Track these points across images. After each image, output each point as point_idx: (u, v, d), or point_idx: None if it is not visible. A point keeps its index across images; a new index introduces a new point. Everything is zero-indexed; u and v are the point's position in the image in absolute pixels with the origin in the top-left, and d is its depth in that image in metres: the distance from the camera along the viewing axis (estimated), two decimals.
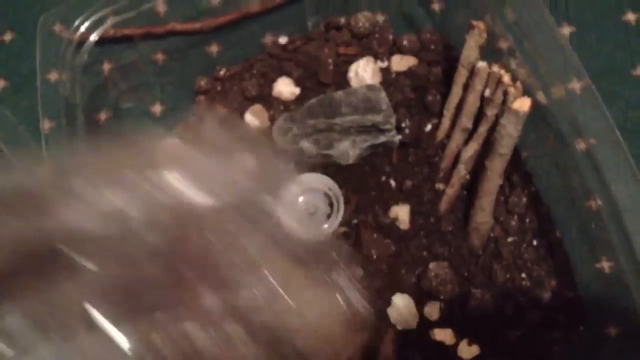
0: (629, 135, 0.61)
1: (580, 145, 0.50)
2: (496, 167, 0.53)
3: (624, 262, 0.49)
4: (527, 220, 0.57)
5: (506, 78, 0.51)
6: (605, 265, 0.52)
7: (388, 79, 0.62)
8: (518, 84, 0.50)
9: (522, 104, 0.49)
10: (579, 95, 0.51)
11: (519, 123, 0.50)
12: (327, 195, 0.59)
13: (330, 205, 0.59)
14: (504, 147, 0.52)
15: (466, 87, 0.56)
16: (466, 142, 0.57)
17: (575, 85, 0.57)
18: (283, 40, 0.66)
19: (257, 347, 0.33)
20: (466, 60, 0.55)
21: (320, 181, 0.59)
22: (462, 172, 0.57)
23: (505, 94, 0.52)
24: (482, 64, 0.53)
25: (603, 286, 0.53)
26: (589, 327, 0.54)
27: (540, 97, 0.53)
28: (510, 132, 0.51)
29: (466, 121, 0.56)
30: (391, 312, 0.55)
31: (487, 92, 0.53)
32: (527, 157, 0.59)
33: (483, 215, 0.55)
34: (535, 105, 0.51)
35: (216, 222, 0.32)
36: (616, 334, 0.52)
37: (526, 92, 0.51)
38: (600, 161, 0.50)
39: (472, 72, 0.54)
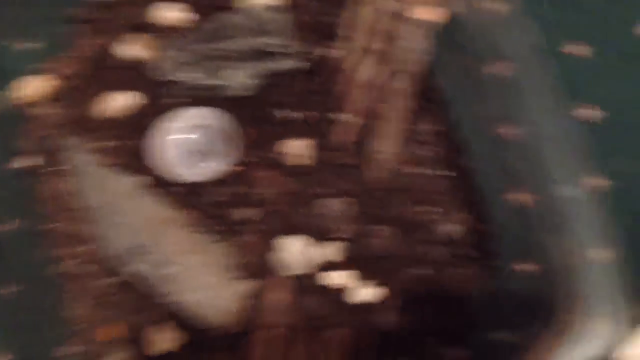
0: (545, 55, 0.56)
1: (499, 69, 0.44)
2: (403, 88, 0.47)
3: (540, 194, 0.43)
4: (437, 149, 0.51)
5: None
6: (520, 196, 0.46)
7: (292, 1, 0.56)
8: None
9: (428, 14, 0.43)
10: (500, 16, 0.45)
11: (426, 35, 0.43)
12: (218, 132, 0.53)
13: (223, 143, 0.52)
14: (411, 63, 0.45)
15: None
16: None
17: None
18: None
19: None
20: None
21: (210, 116, 0.53)
22: (366, 97, 0.50)
23: (411, 5, 0.45)
24: None
25: (516, 219, 0.48)
26: (502, 262, 0.48)
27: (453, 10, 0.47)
28: (417, 46, 0.44)
29: (371, 41, 0.50)
30: (283, 255, 0.48)
31: (393, 6, 0.47)
32: (439, 82, 0.55)
33: (388, 144, 0.49)
34: (448, 22, 0.46)
35: None
36: (530, 269, 0.46)
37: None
38: (518, 87, 0.44)
39: None
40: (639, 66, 0.56)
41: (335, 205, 0.50)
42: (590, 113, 0.55)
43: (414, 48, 0.43)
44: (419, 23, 0.41)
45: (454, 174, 0.51)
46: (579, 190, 0.48)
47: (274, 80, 0.54)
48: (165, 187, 0.51)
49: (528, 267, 0.46)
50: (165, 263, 0.47)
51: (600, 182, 0.53)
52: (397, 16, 0.45)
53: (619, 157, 0.54)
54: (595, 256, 0.40)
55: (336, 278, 0.49)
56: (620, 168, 0.54)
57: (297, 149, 0.52)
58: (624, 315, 0.39)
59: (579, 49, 0.56)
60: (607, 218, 0.51)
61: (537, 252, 0.45)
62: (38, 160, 0.52)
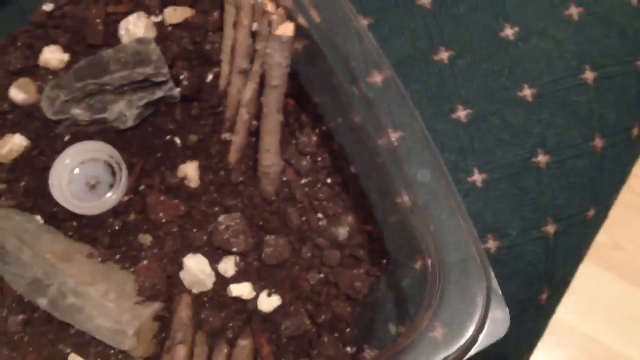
0: (415, 62, 0.60)
1: (375, 79, 0.48)
2: (272, 102, 0.51)
3: (421, 197, 0.47)
4: (320, 159, 0.55)
5: (270, 7, 0.48)
6: (404, 199, 0.50)
7: (164, 32, 0.59)
8: (280, 9, 0.47)
9: (286, 29, 0.47)
10: (364, 32, 0.49)
11: (286, 50, 0.47)
12: (108, 164, 0.55)
13: (114, 174, 0.54)
14: (275, 78, 0.49)
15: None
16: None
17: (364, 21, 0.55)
18: (48, 7, 0.61)
19: None
20: None
21: (98, 149, 0.56)
22: (245, 116, 0.54)
23: (271, 23, 0.49)
24: None
25: (402, 219, 0.52)
26: (391, 261, 0.52)
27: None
28: (278, 61, 0.48)
29: (241, 62, 0.54)
30: (184, 275, 0.51)
31: (255, 26, 0.51)
32: (316, 96, 0.58)
33: (269, 157, 0.52)
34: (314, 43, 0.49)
35: None
36: (419, 266, 0.50)
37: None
38: (390, 101, 0.48)
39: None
40: (503, 66, 0.62)
41: (226, 222, 0.53)
42: (464, 113, 0.61)
43: (281, 64, 0.47)
44: (280, 39, 0.45)
45: (337, 180, 0.55)
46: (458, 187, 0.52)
47: (156, 109, 0.57)
48: (61, 223, 0.53)
49: (414, 263, 0.50)
50: (65, 295, 0.49)
51: (478, 177, 0.58)
52: (263, 36, 0.49)
53: (494, 152, 0.59)
54: (477, 250, 0.44)
55: (236, 291, 0.51)
56: (493, 161, 0.59)
57: (184, 173, 0.55)
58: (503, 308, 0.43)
59: (448, 55, 0.62)
60: (487, 211, 0.56)
61: (422, 249, 0.49)
62: None
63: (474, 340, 0.39)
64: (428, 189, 0.43)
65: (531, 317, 0.60)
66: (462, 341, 0.39)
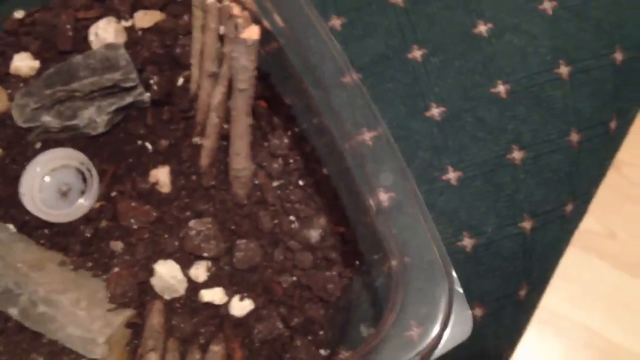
0: (389, 61, 0.60)
1: (339, 83, 0.48)
2: (240, 105, 0.51)
3: (384, 200, 0.47)
4: (291, 161, 0.56)
5: (236, 10, 0.49)
6: (370, 202, 0.50)
7: (134, 37, 0.59)
8: (245, 12, 0.48)
9: (251, 33, 0.47)
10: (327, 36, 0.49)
11: (251, 53, 0.48)
12: (79, 170, 0.55)
13: (85, 180, 0.55)
14: (242, 82, 0.49)
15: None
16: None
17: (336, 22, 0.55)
18: (19, 14, 0.61)
19: None
20: (198, 0, 0.53)
21: (68, 156, 0.56)
22: (215, 120, 0.54)
23: (236, 26, 0.49)
24: (210, 0, 0.50)
25: (369, 222, 0.52)
26: (364, 262, 0.52)
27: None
28: (244, 65, 0.49)
29: (210, 65, 0.54)
30: (155, 281, 0.51)
31: (222, 29, 0.51)
32: (287, 98, 0.59)
33: (240, 161, 0.53)
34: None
35: None
36: (386, 268, 0.50)
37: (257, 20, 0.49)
38: (354, 105, 0.48)
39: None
40: (477, 63, 0.62)
41: (197, 227, 0.53)
42: (437, 111, 0.61)
43: (247, 68, 0.47)
44: (245, 42, 0.45)
45: (310, 182, 0.55)
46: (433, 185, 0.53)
47: (127, 114, 0.57)
48: (33, 231, 0.53)
49: (383, 265, 0.51)
50: (36, 304, 0.49)
51: (453, 174, 0.58)
52: (229, 39, 0.49)
53: (468, 149, 0.59)
54: (439, 252, 0.44)
55: (208, 296, 0.52)
56: (468, 158, 0.59)
57: (155, 178, 0.56)
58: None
59: (421, 53, 0.62)
60: (462, 209, 0.56)
61: (387, 251, 0.49)
62: None
63: (437, 341, 0.39)
64: (391, 192, 0.43)
65: (510, 314, 0.61)
66: (425, 342, 0.39)
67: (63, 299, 0.50)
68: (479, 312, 0.58)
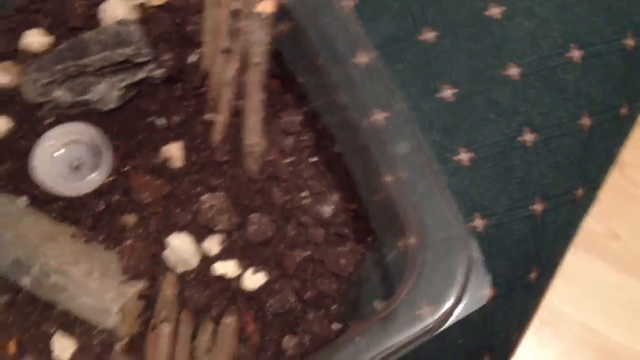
0: (400, 43, 0.61)
1: (359, 60, 0.49)
2: (253, 80, 0.51)
3: (403, 175, 0.48)
4: (304, 138, 0.56)
5: None
6: (387, 178, 0.50)
7: (146, 14, 0.60)
8: None
9: (266, 6, 0.47)
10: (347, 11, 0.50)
11: (265, 27, 0.48)
12: (91, 145, 0.56)
13: (96, 155, 0.55)
14: (256, 56, 0.50)
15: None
16: None
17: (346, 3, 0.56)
18: None
19: None
20: None
21: (80, 131, 0.56)
22: (227, 96, 0.55)
23: (250, 0, 0.50)
24: None
25: (385, 197, 0.52)
26: (377, 238, 0.53)
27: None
28: (258, 39, 0.49)
29: (222, 41, 0.54)
30: (168, 254, 0.52)
31: (236, 4, 0.51)
32: (300, 76, 0.59)
33: (253, 136, 0.53)
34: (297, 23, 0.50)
35: None
36: (402, 243, 0.51)
37: None
38: (373, 81, 0.48)
39: None
40: (488, 45, 0.63)
41: (210, 200, 0.53)
42: (449, 92, 0.61)
43: (261, 41, 0.48)
44: (260, 15, 0.46)
45: (322, 159, 0.56)
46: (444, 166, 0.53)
47: (138, 91, 0.58)
48: (44, 205, 0.54)
49: (398, 240, 0.51)
50: (48, 275, 0.50)
51: (464, 155, 0.59)
52: (244, 14, 0.50)
53: (479, 130, 0.60)
54: (458, 225, 0.45)
55: (221, 269, 0.52)
56: (479, 140, 0.59)
57: (167, 153, 0.56)
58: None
59: (433, 35, 0.62)
60: (473, 190, 0.57)
61: (404, 225, 0.50)
62: None
63: (451, 311, 0.39)
64: (410, 166, 0.43)
65: (520, 296, 0.61)
66: (440, 312, 0.39)
67: (75, 270, 0.50)
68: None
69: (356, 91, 0.49)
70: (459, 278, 0.42)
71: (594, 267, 1.17)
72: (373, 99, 0.48)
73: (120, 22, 0.56)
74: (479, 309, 0.44)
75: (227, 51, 0.55)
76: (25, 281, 0.50)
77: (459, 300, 0.42)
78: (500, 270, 0.59)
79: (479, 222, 0.58)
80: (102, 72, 0.56)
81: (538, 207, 0.60)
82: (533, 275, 0.61)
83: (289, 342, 0.51)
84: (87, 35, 0.55)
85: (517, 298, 0.61)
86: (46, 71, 0.55)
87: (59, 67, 0.55)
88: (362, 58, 0.47)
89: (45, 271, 0.50)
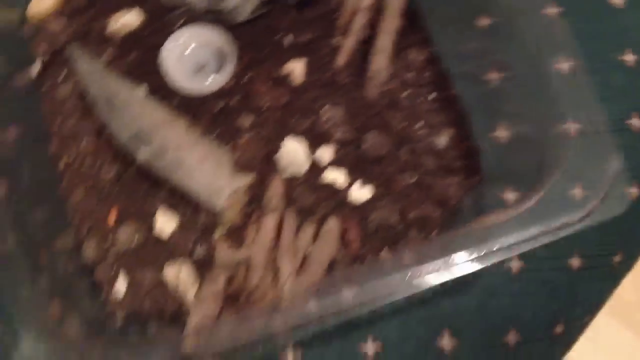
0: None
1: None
2: (394, 6, 0.53)
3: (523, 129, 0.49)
4: (425, 75, 0.58)
5: None
6: (503, 134, 0.52)
7: None
8: None
9: None
10: None
11: None
12: (217, 51, 0.58)
13: (221, 61, 0.58)
14: None
15: None
16: None
17: None
18: None
19: None
20: None
21: (210, 36, 0.59)
22: (361, 21, 0.57)
23: None
24: None
25: (500, 151, 0.54)
26: (484, 180, 0.54)
27: None
28: None
29: None
30: (280, 156, 0.53)
31: None
32: (428, 19, 0.61)
33: (380, 60, 0.55)
34: None
35: None
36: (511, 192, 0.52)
37: None
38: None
39: None
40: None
41: (329, 112, 0.55)
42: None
43: None
44: None
45: (439, 98, 0.57)
46: None
47: (269, 8, 0.60)
48: (164, 96, 0.57)
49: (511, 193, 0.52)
50: (166, 150, 0.51)
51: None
52: None
53: None
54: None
55: (330, 176, 0.53)
56: None
57: (290, 69, 0.58)
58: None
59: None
60: None
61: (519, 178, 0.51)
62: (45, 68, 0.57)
63: (594, 210, 0.40)
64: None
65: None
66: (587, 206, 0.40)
67: (191, 154, 0.52)
68: None
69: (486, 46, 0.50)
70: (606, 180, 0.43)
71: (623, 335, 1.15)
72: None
73: None
74: None
75: None
76: (144, 154, 0.52)
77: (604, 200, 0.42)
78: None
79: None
80: None
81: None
82: None
83: (387, 255, 0.51)
84: None
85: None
86: None
87: None
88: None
89: (164, 147, 0.52)
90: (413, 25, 0.59)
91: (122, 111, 0.52)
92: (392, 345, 0.54)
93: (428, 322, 0.55)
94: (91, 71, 0.54)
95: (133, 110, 0.52)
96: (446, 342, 0.54)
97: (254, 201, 0.52)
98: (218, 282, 0.47)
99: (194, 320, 0.45)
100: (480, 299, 0.55)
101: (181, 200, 0.52)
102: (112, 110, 0.52)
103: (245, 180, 0.52)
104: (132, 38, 0.58)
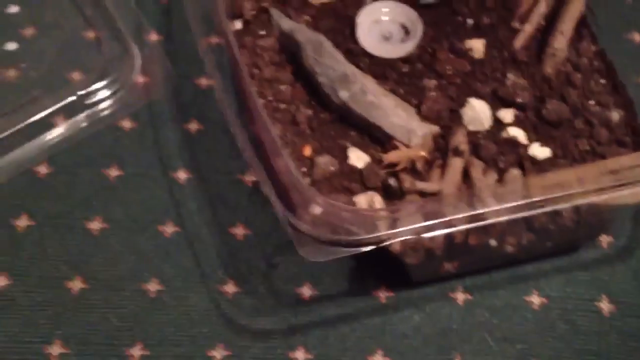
0: None
1: None
2: None
3: None
4: (595, 64, 0.65)
5: None
6: None
7: None
8: None
9: None
10: None
11: None
12: (404, 25, 0.67)
13: (406, 34, 0.66)
14: None
15: None
16: None
17: None
18: None
19: None
20: None
21: (398, 11, 0.68)
22: (543, 9, 0.65)
23: None
24: None
25: None
26: None
27: None
28: None
29: None
30: (465, 111, 0.61)
31: None
32: (598, 16, 0.68)
33: (561, 40, 0.63)
34: None
35: None
36: None
37: None
38: None
39: None
40: None
41: (512, 78, 0.63)
42: None
43: None
44: None
45: (609, 83, 0.65)
46: None
47: None
48: (354, 58, 0.66)
49: None
50: (365, 94, 0.59)
51: None
52: None
53: None
54: None
55: (512, 132, 0.60)
56: None
57: (470, 45, 0.66)
58: None
59: None
60: None
61: None
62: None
63: None
64: None
65: None
66: None
67: (386, 100, 0.60)
68: None
69: None
70: None
71: None
72: None
73: None
74: None
75: None
76: (344, 94, 0.59)
77: None
78: None
79: None
80: None
81: None
82: None
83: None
84: None
85: None
86: None
87: None
88: None
89: (364, 90, 0.59)
90: (583, 24, 0.67)
91: (329, 56, 0.60)
92: (555, 299, 0.60)
93: (588, 285, 0.61)
94: (296, 27, 0.62)
95: (338, 57, 0.60)
96: (604, 305, 0.59)
97: (438, 149, 0.58)
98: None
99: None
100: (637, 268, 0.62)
101: (370, 143, 0.59)
102: (320, 55, 0.60)
103: (433, 128, 0.59)
104: (328, 7, 0.67)
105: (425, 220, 0.47)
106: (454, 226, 0.47)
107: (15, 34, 0.69)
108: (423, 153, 0.55)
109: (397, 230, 0.47)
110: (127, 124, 0.66)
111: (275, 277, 0.59)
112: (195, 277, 0.58)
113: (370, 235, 0.46)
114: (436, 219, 0.47)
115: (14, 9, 0.70)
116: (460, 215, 0.47)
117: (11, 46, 0.69)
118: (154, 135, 0.66)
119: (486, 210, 0.47)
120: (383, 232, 0.47)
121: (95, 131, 0.64)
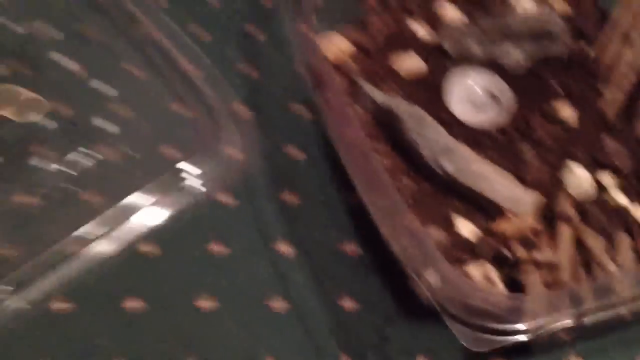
0: None
1: None
2: None
3: None
4: None
5: None
6: None
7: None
8: None
9: None
10: None
11: None
12: (491, 93, 0.70)
13: (495, 101, 0.69)
14: None
15: None
16: None
17: None
18: None
19: None
20: None
21: (487, 79, 0.70)
22: (624, 73, 0.67)
23: None
24: None
25: None
26: None
27: None
28: None
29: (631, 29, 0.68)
30: (566, 178, 0.63)
31: None
32: None
33: None
34: None
35: None
36: None
37: None
38: None
39: None
40: None
41: (610, 143, 0.64)
42: None
43: None
44: None
45: None
46: None
47: (542, 62, 0.71)
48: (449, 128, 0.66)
49: None
50: (468, 164, 0.61)
51: None
52: None
53: None
54: None
55: (614, 196, 0.62)
56: None
57: (563, 110, 0.68)
58: None
59: None
60: None
61: None
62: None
63: None
64: None
65: None
66: None
67: (489, 169, 0.62)
68: None
69: None
70: None
71: None
72: None
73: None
74: None
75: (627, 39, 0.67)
76: (449, 166, 0.61)
77: None
78: None
79: None
80: (518, 38, 0.70)
81: None
82: None
83: None
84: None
85: None
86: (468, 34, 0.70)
87: (483, 23, 0.69)
88: None
89: (467, 161, 0.61)
90: None
91: (431, 129, 0.62)
92: None
93: None
94: (391, 100, 0.65)
95: (439, 129, 0.62)
96: None
97: (544, 217, 0.60)
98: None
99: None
100: None
101: (475, 210, 0.60)
102: (422, 127, 0.62)
103: (538, 195, 0.60)
104: (415, 77, 0.69)
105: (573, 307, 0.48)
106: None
107: (112, 114, 0.70)
108: (534, 223, 0.55)
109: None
110: (224, 198, 0.67)
111: (388, 349, 0.59)
112: (310, 353, 0.59)
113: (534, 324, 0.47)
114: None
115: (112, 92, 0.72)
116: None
117: (112, 129, 0.70)
118: (252, 208, 0.66)
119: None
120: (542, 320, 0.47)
121: (194, 207, 0.65)
